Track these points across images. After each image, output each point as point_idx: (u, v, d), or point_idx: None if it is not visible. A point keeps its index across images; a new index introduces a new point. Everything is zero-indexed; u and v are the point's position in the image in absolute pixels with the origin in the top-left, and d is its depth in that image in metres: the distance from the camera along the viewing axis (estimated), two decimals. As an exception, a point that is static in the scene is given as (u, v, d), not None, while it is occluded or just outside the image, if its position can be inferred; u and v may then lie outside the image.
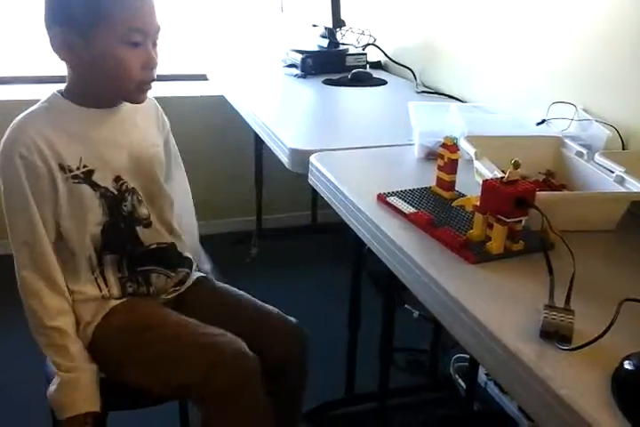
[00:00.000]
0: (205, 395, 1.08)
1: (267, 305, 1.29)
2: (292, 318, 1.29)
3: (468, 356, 1.81)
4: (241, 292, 1.32)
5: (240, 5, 2.80)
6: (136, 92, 1.13)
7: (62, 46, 1.07)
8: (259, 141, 2.35)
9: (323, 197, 1.30)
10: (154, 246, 1.23)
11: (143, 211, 1.21)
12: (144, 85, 1.13)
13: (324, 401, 1.74)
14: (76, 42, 1.06)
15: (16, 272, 1.12)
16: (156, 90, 2.88)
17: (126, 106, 1.19)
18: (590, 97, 1.45)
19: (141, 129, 1.23)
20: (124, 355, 1.14)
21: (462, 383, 1.82)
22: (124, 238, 1.19)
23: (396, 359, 1.84)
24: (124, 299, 1.19)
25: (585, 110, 1.43)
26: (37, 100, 1.15)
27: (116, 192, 1.16)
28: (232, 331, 1.19)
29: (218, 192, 2.73)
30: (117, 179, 1.16)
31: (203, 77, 2.50)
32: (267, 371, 1.17)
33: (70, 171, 1.11)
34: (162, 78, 2.78)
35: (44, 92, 1.15)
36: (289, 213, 2.85)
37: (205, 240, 2.54)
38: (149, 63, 1.10)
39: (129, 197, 1.19)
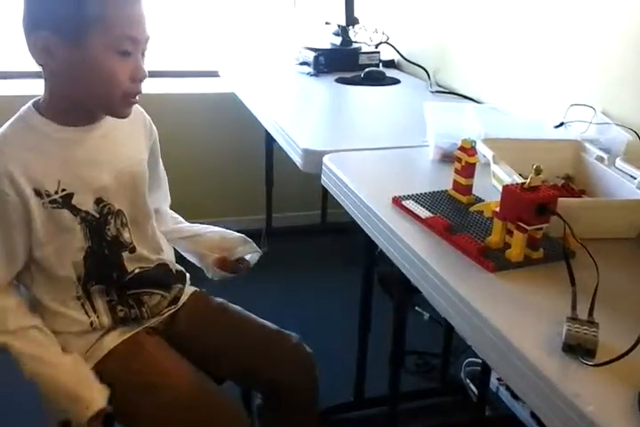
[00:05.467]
0: None
1: (267, 324, 1.26)
2: (295, 336, 1.26)
3: (479, 360, 1.79)
4: (238, 308, 1.28)
5: (253, 2, 2.78)
6: (121, 105, 1.06)
7: (44, 53, 0.99)
8: (269, 139, 2.33)
9: (333, 196, 1.28)
10: (138, 270, 1.16)
11: (127, 234, 1.15)
12: (130, 98, 1.05)
13: (332, 404, 1.72)
14: (61, 48, 0.98)
15: None
16: (167, 86, 2.87)
17: (108, 120, 1.11)
18: (609, 99, 1.42)
19: (126, 144, 1.16)
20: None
21: (473, 388, 1.79)
22: (110, 266, 1.13)
23: (405, 362, 1.81)
24: (120, 341, 1.12)
25: (604, 113, 1.40)
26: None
27: (97, 215, 1.10)
28: (232, 357, 1.20)
29: (228, 190, 2.72)
30: (98, 201, 1.09)
31: (214, 74, 2.48)
32: (275, 393, 1.17)
33: (48, 195, 1.04)
34: (173, 75, 2.79)
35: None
36: (299, 212, 2.83)
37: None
38: (138, 74, 1.03)
39: (112, 221, 1.12)
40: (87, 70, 1.00)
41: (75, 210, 1.07)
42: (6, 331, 1.05)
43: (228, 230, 1.34)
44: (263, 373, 1.22)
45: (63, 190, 1.05)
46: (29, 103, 1.08)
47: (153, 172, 1.25)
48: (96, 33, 0.97)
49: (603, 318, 0.75)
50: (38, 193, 1.03)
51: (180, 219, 1.39)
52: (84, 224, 1.08)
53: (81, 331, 1.12)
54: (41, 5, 1.00)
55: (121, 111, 1.07)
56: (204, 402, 1.10)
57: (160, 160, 1.30)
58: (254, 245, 1.31)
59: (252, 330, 1.25)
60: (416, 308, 2.12)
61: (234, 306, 1.29)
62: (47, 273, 1.09)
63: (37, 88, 1.10)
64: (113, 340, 1.13)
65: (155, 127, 1.25)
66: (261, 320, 1.27)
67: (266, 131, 1.81)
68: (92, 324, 1.12)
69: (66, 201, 1.06)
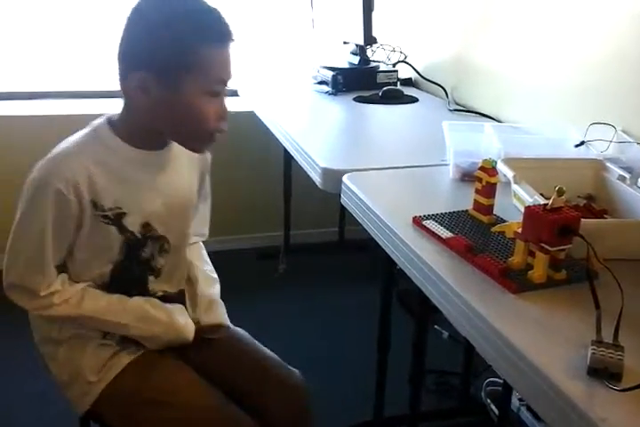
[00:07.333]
0: None
1: (270, 357, 1.25)
2: (296, 374, 1.25)
3: (500, 380, 1.77)
4: (246, 335, 1.28)
5: (271, 22, 2.81)
6: (205, 143, 1.10)
7: (139, 90, 1.02)
8: (288, 157, 2.35)
9: (350, 213, 1.29)
10: (160, 294, 1.20)
11: (160, 261, 1.18)
12: (214, 136, 1.08)
13: (352, 424, 1.70)
14: (157, 88, 1.01)
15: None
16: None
17: (172, 147, 1.14)
18: (630, 118, 1.42)
19: (182, 174, 1.19)
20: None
21: (494, 408, 1.77)
22: (133, 283, 1.16)
23: (425, 382, 1.80)
24: (134, 357, 1.14)
25: (624, 132, 1.40)
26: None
27: (139, 236, 1.13)
28: (232, 387, 1.18)
29: (246, 207, 2.73)
30: (146, 225, 1.13)
31: (233, 93, 2.51)
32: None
33: (102, 210, 1.07)
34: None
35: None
36: (317, 229, 2.83)
37: (233, 255, 2.51)
38: (223, 114, 1.06)
39: (150, 244, 1.15)
40: (180, 111, 1.04)
41: (122, 229, 1.11)
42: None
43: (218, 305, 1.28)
44: (258, 408, 1.20)
45: (118, 208, 1.09)
46: (103, 118, 1.11)
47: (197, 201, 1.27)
48: (193, 78, 1.01)
49: (628, 342, 0.75)
50: (94, 205, 1.07)
51: (204, 256, 1.36)
52: (125, 243, 1.12)
53: (93, 343, 1.14)
54: (144, 46, 1.02)
55: (201, 148, 1.12)
56: (214, 420, 1.10)
57: (206, 191, 1.32)
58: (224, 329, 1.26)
59: (254, 364, 1.24)
60: (435, 326, 2.11)
61: (242, 333, 1.29)
62: (72, 277, 1.12)
63: (109, 108, 1.12)
64: (128, 356, 1.14)
65: (209, 158, 1.27)
66: (265, 353, 1.26)
67: (284, 149, 1.82)
68: (104, 335, 1.14)
69: (117, 219, 1.10)
